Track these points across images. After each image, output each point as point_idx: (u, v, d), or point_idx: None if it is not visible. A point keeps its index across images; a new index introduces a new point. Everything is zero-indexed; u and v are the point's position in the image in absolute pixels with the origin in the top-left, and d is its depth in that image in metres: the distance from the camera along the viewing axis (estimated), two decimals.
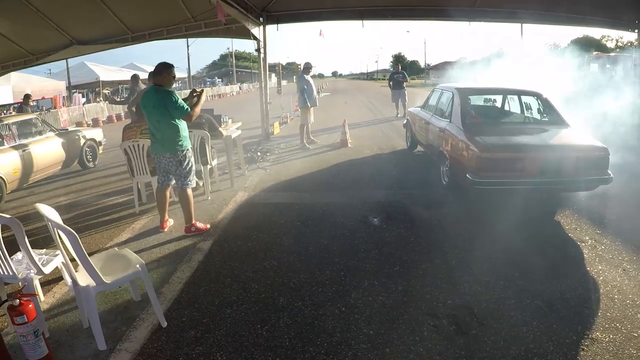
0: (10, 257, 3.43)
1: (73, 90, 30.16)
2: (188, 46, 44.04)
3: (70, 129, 10.17)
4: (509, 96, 8.21)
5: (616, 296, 3.80)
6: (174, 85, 5.51)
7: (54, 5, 10.03)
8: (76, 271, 3.35)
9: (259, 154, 10.03)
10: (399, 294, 3.89)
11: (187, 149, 5.37)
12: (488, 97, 8.85)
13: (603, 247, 4.82)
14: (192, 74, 47.44)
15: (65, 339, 3.39)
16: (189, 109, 5.16)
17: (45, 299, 3.96)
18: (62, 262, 3.52)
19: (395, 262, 4.54)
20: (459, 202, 6.45)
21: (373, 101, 28.54)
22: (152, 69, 5.52)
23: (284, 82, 27.40)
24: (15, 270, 3.48)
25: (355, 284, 4.10)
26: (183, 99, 5.28)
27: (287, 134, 13.87)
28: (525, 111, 7.71)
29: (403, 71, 18.08)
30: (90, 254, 4.44)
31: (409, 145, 10.29)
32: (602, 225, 5.45)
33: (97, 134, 10.51)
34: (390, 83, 17.71)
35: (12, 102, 21.52)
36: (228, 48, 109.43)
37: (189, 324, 3.53)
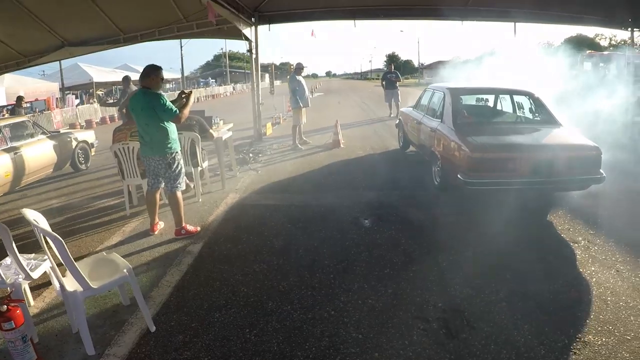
0: None
1: (66, 92, 30.03)
2: (181, 47, 43.90)
3: (62, 131, 10.15)
4: (500, 96, 8.21)
5: (609, 298, 3.79)
6: (168, 86, 5.48)
7: (44, 6, 9.93)
8: (64, 276, 3.32)
9: (250, 155, 9.99)
10: (388, 297, 3.87)
11: (177, 152, 5.34)
12: (480, 96, 8.85)
13: (596, 248, 4.81)
14: (185, 74, 47.26)
15: (55, 344, 3.37)
16: (178, 111, 5.13)
17: (35, 304, 3.94)
18: (50, 267, 3.49)
19: (385, 264, 4.52)
20: (451, 202, 6.44)
21: (366, 101, 28.56)
22: None
23: (277, 83, 27.37)
24: (3, 276, 3.47)
25: (345, 286, 4.07)
26: (172, 101, 5.26)
27: (280, 134, 13.84)
28: (517, 111, 7.70)
29: (396, 71, 18.09)
30: (80, 258, 4.46)
31: (401, 145, 10.29)
32: (595, 225, 5.44)
33: (89, 136, 10.47)
34: (383, 83, 17.75)
35: (5, 104, 21.41)
36: (222, 48, 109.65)
37: (178, 328, 3.51)
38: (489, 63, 15.66)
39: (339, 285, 4.10)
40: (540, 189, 5.99)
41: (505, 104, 8.13)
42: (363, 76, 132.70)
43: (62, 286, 3.28)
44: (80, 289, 3.18)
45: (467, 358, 3.06)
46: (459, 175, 5.82)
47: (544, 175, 5.59)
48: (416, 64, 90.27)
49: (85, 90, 33.89)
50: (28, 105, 19.95)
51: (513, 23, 12.89)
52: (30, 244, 5.03)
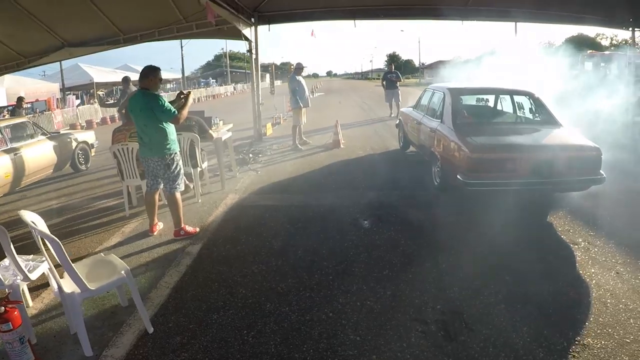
0: None
1: (67, 92, 30.05)
2: (182, 47, 43.90)
3: (62, 131, 10.15)
4: (501, 96, 8.18)
5: (609, 300, 3.76)
6: (169, 86, 5.48)
7: (44, 6, 9.94)
8: (62, 277, 3.31)
9: (250, 155, 9.98)
10: (387, 299, 3.86)
11: (175, 153, 5.33)
12: (480, 96, 8.83)
13: (596, 250, 4.78)
14: (186, 74, 47.29)
15: (53, 345, 3.37)
16: (176, 112, 5.12)
17: (33, 305, 3.94)
18: (48, 269, 3.49)
19: (384, 265, 4.50)
20: (451, 203, 6.42)
21: (367, 101, 28.53)
22: None
23: (278, 83, 27.34)
24: (1, 277, 3.47)
25: (344, 288, 4.06)
26: (170, 102, 5.25)
27: (280, 134, 13.83)
28: (517, 111, 7.67)
29: (396, 71, 18.07)
30: (79, 258, 4.46)
31: (401, 145, 10.27)
32: (595, 226, 5.41)
33: (89, 136, 10.48)
34: (384, 83, 17.74)
35: (5, 104, 21.41)
36: (222, 48, 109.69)
37: (176, 329, 3.50)
38: (490, 63, 15.65)
39: (338, 287, 4.09)
40: (540, 189, 5.97)
41: (505, 104, 8.10)
42: (364, 76, 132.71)
43: (59, 287, 3.27)
44: (77, 290, 3.19)
45: None
46: (458, 176, 5.80)
47: (543, 176, 5.57)
48: (417, 64, 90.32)
49: (85, 90, 33.92)
50: (29, 105, 19.97)
51: (514, 23, 12.85)
52: (29, 245, 5.05)
